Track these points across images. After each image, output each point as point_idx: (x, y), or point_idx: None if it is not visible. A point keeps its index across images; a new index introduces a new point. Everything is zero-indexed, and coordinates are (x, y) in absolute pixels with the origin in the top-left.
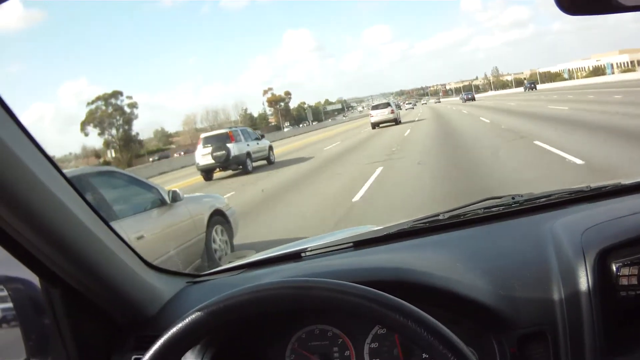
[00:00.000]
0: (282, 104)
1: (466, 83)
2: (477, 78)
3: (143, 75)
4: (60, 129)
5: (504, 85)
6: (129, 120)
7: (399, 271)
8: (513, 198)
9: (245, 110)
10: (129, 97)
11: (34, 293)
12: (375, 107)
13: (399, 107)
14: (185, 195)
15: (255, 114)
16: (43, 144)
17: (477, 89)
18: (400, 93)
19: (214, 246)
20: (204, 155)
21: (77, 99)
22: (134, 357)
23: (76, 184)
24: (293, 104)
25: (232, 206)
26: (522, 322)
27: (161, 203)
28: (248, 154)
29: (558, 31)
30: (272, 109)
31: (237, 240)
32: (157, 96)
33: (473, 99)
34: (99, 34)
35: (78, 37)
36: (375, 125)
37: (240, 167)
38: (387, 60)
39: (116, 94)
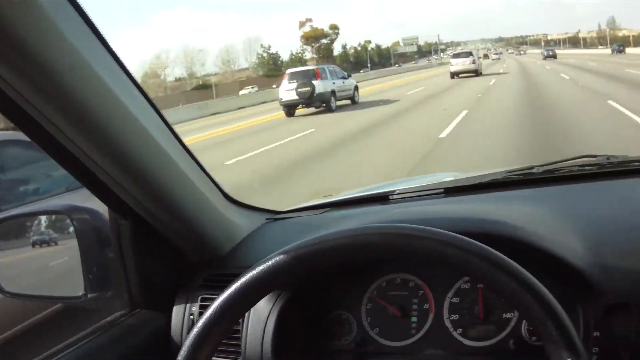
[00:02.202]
0: (326, 41)
1: (570, 35)
2: (579, 31)
3: None
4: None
5: (624, 40)
6: None
7: (490, 223)
8: (608, 158)
9: (268, 48)
10: None
11: (100, 224)
12: (456, 56)
13: (487, 56)
14: None
15: (286, 56)
16: None
17: (585, 43)
18: (499, 40)
19: None
20: (288, 91)
21: None
22: (201, 295)
23: None
24: (351, 43)
25: None
26: (613, 291)
27: None
28: (333, 92)
29: None
30: (310, 47)
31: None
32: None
33: (554, 56)
34: None
35: None
36: (454, 74)
37: (324, 104)
38: (490, 3)
39: None
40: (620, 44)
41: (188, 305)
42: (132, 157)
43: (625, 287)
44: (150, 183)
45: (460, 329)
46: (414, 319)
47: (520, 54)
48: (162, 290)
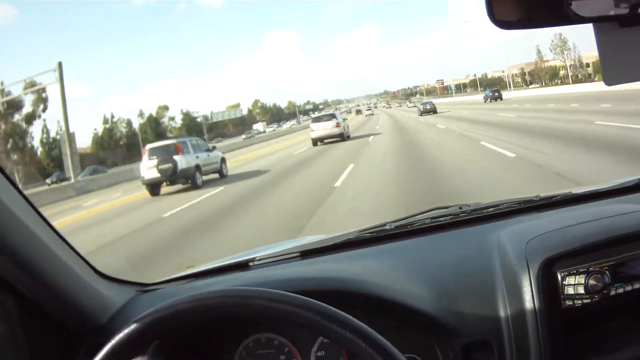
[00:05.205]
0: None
1: (471, 78)
2: (467, 76)
3: None
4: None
5: (554, 75)
6: None
7: (343, 281)
8: (460, 208)
9: None
10: None
11: None
12: (317, 120)
13: (359, 112)
14: None
15: None
16: None
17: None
18: (385, 94)
19: None
20: (149, 168)
21: None
22: None
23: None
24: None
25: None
26: (466, 331)
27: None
28: (197, 167)
29: None
30: None
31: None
32: None
33: (433, 110)
34: None
35: None
36: (316, 141)
37: (189, 181)
38: (373, 61)
39: None
40: (495, 88)
41: None
42: (4, 239)
43: (478, 326)
44: (23, 262)
45: None
46: None
47: (390, 107)
48: (52, 359)
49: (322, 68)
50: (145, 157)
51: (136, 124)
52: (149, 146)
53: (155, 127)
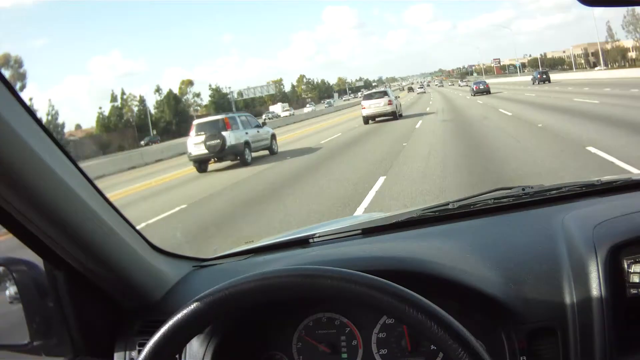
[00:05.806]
0: None
1: (531, 58)
2: (525, 56)
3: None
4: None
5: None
6: None
7: (406, 260)
8: (523, 189)
9: None
10: None
11: (38, 275)
12: (369, 97)
13: (411, 90)
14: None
15: None
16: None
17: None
18: (439, 72)
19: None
20: (196, 144)
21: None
22: (139, 341)
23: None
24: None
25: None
26: (532, 316)
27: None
28: (246, 143)
29: None
30: None
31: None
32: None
33: (487, 91)
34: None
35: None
36: (368, 119)
37: (238, 157)
38: (429, 40)
39: None
40: (543, 70)
41: (128, 351)
42: (59, 214)
43: (544, 312)
44: (78, 236)
45: None
46: (344, 355)
47: (442, 86)
48: (102, 337)
49: (377, 45)
50: (192, 132)
51: (152, 101)
52: (196, 121)
53: (174, 104)
